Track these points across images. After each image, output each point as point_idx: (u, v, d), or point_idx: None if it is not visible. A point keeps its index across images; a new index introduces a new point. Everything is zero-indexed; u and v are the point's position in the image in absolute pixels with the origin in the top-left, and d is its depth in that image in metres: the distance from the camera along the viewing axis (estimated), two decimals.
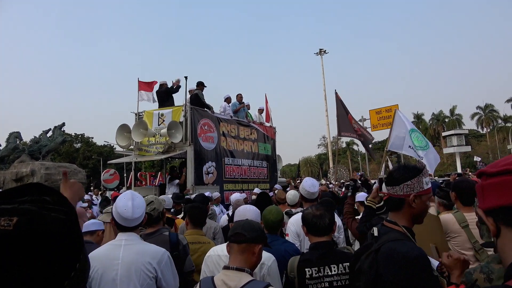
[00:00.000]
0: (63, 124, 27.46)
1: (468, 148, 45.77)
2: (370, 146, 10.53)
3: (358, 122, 11.01)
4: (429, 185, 1.95)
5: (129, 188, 15.75)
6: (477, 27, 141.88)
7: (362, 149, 53.22)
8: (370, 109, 27.77)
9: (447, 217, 3.51)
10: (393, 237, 1.85)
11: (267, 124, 13.60)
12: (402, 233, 1.90)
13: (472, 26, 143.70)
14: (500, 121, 67.41)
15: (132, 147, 10.31)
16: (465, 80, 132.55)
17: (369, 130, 31.92)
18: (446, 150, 47.43)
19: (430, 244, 2.50)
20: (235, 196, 6.59)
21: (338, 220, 3.83)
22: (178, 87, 10.82)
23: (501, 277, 1.75)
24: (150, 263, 2.36)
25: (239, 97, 12.25)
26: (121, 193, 11.06)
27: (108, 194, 14.71)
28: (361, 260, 1.88)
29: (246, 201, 9.27)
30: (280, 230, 3.34)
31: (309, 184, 3.90)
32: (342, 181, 28.43)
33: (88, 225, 3.57)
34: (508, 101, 65.66)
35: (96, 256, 2.44)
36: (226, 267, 2.02)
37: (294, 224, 3.60)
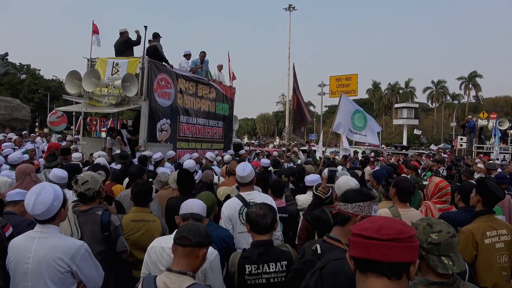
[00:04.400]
0: (6, 54, 25.32)
1: (416, 121, 48.34)
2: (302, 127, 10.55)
3: (303, 97, 10.83)
4: (376, 214, 2.13)
5: (78, 132, 15.09)
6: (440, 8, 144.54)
7: (318, 110, 54.31)
8: (331, 75, 28.12)
9: (383, 211, 3.78)
10: (338, 255, 1.95)
11: (227, 84, 13.38)
12: (345, 251, 2.01)
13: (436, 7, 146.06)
14: (448, 97, 71.19)
15: (82, 94, 9.80)
16: (424, 55, 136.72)
17: (327, 96, 32.60)
18: (395, 121, 49.87)
19: None
20: (190, 163, 6.54)
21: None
22: (140, 37, 10.21)
23: None
24: (62, 258, 2.32)
25: (202, 55, 11.80)
26: (67, 140, 10.52)
27: (54, 138, 14.06)
28: (306, 279, 1.94)
29: (197, 161, 9.33)
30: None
31: (240, 169, 3.80)
32: (295, 142, 29.18)
33: (12, 195, 3.35)
34: (458, 78, 69.24)
35: (12, 246, 2.44)
36: (169, 270, 2.07)
37: (227, 208, 3.59)
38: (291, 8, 42.55)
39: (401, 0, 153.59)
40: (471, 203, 3.47)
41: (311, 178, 4.90)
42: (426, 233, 1.86)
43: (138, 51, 10.22)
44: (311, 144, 23.60)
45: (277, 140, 46.22)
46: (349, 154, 14.41)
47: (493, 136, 18.13)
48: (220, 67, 13.56)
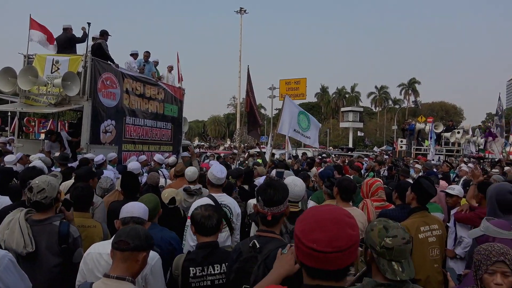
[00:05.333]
0: None
1: (360, 125, 50.58)
2: (256, 129, 10.67)
3: (255, 98, 10.90)
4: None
5: (13, 134, 14.03)
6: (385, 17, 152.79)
7: (269, 113, 55.10)
8: (280, 78, 28.69)
9: None
10: (277, 244, 2.06)
11: (177, 85, 13.14)
12: (281, 239, 2.14)
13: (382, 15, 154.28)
14: (390, 102, 75.42)
15: (18, 92, 9.14)
16: (368, 61, 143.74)
17: (277, 99, 33.13)
18: (342, 124, 51.88)
19: None
20: (134, 165, 6.30)
21: (237, 208, 3.94)
22: (86, 35, 9.70)
23: None
24: None
25: (145, 55, 11.42)
26: (0, 141, 9.75)
27: None
28: (254, 272, 2.01)
29: (145, 164, 9.06)
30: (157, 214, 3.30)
31: (218, 170, 3.84)
32: (246, 144, 29.33)
33: None
34: (399, 86, 73.70)
35: None
36: (106, 276, 1.98)
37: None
38: (242, 11, 42.96)
39: (347, 9, 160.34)
40: (407, 200, 3.68)
41: (261, 181, 4.94)
42: (380, 236, 1.80)
43: (81, 48, 9.77)
44: (262, 146, 23.87)
45: (228, 142, 46.19)
46: (297, 155, 14.78)
47: (429, 138, 19.41)
48: (170, 68, 13.33)
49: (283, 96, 9.64)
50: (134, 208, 2.65)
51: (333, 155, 19.63)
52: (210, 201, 3.58)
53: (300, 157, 14.29)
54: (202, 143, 31.94)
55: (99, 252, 2.42)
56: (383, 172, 10.18)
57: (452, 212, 4.91)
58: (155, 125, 11.36)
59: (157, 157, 9.10)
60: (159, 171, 7.40)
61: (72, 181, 5.13)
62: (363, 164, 11.55)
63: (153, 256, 2.40)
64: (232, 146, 30.89)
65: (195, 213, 2.67)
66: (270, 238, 2.13)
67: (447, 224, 5.10)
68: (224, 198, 3.80)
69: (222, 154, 16.14)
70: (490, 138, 17.76)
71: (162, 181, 6.65)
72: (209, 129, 78.70)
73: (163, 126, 11.83)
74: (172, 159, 9.32)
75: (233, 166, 9.84)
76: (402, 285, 1.74)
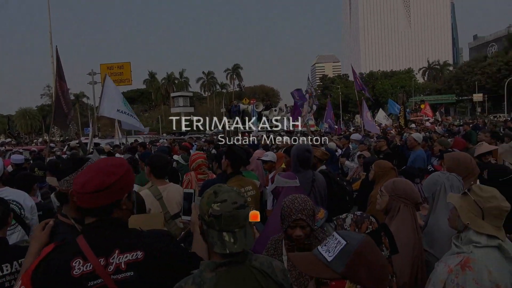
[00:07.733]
0: None
1: (191, 109, 51.63)
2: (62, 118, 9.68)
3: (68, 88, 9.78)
4: None
5: None
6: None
7: (91, 102, 50.66)
8: (101, 63, 26.50)
9: (144, 193, 3.68)
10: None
11: None
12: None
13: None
14: (218, 87, 79.33)
15: None
16: (195, 48, 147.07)
17: (99, 85, 30.46)
18: (173, 110, 51.88)
19: None
20: None
21: (29, 201, 3.43)
22: None
23: (214, 285, 1.45)
24: None
25: None
26: None
27: None
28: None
29: None
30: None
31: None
32: (66, 137, 26.27)
33: None
34: (225, 71, 78.19)
35: None
36: None
37: None
38: None
39: None
40: (223, 168, 3.88)
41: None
42: (209, 203, 1.52)
43: None
44: (85, 137, 21.81)
45: (45, 136, 40.52)
46: (126, 143, 14.26)
47: (252, 117, 21.28)
48: None
49: (105, 76, 8.91)
50: None
51: (165, 140, 19.56)
52: None
53: (128, 144, 13.76)
54: (9, 140, 26.95)
55: None
56: (212, 150, 10.68)
57: (270, 176, 5.48)
58: None
59: None
60: None
61: None
62: (192, 145, 11.85)
63: None
64: (48, 140, 27.26)
65: None
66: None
67: (266, 187, 5.71)
68: (8, 192, 3.27)
69: (34, 149, 14.65)
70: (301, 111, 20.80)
71: None
72: (19, 124, 67.13)
73: None
74: None
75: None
76: (244, 258, 1.54)
